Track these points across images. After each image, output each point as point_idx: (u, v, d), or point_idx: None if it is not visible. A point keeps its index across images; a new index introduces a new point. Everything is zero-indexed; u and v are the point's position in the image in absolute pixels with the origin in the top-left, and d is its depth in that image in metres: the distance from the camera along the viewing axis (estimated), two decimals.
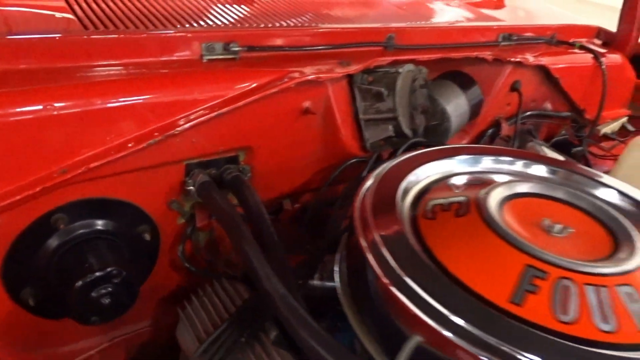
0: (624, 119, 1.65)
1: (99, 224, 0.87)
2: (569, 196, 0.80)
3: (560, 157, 1.33)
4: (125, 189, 0.88)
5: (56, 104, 0.75)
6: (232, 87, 0.89)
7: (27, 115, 0.74)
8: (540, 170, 0.90)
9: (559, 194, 0.80)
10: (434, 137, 1.14)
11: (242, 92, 0.90)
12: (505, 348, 0.53)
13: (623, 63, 1.60)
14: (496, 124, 1.31)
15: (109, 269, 0.83)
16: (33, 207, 0.80)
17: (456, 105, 1.15)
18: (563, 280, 0.61)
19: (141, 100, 0.82)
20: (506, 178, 0.83)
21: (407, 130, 1.05)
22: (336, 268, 0.77)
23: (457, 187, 0.81)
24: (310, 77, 0.93)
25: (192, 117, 0.86)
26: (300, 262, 0.96)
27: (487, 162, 0.88)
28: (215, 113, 0.87)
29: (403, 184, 0.76)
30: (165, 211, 0.94)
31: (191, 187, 0.92)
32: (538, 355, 0.52)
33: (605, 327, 0.58)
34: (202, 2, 1.11)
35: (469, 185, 0.81)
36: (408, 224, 0.71)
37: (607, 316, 0.59)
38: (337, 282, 0.74)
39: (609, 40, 1.69)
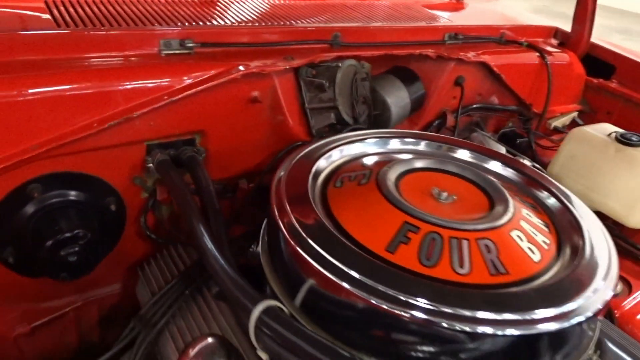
0: (575, 114, 1.76)
1: (70, 194, 1.01)
2: (459, 169, 0.93)
3: (501, 148, 1.46)
4: (93, 164, 1.02)
5: (30, 90, 0.90)
6: (186, 78, 1.03)
7: (5, 99, 0.88)
8: (440, 149, 1.04)
9: (451, 168, 0.93)
10: (376, 126, 1.27)
11: (195, 82, 1.04)
12: (377, 286, 0.66)
13: (572, 61, 1.72)
14: (442, 116, 1.43)
15: (76, 231, 0.98)
16: (11, 178, 0.94)
17: (397, 97, 1.28)
18: (432, 234, 0.74)
19: (104, 88, 0.96)
20: (410, 156, 0.96)
21: (347, 118, 1.19)
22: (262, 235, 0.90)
23: (368, 164, 0.94)
24: (254, 70, 1.07)
25: (149, 102, 1.00)
26: (245, 233, 1.10)
27: (395, 144, 1.01)
28: (170, 99, 1.01)
29: (318, 163, 0.90)
30: (130, 186, 1.09)
31: (150, 165, 1.06)
32: (395, 288, 0.65)
33: (461, 271, 0.71)
34: (163, 4, 1.25)
35: (378, 162, 0.94)
36: (318, 193, 0.85)
37: (464, 262, 0.72)
38: (260, 246, 0.88)
39: (564, 40, 1.81)
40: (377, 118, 1.28)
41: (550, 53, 1.63)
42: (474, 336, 0.65)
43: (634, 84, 1.70)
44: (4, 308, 1.07)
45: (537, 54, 1.59)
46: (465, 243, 0.74)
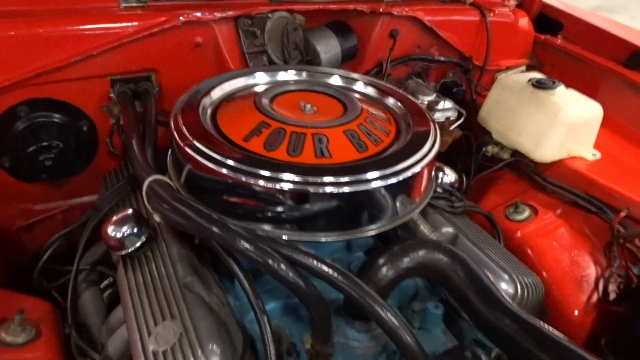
0: (522, 67, 1.90)
1: (50, 115, 1.32)
2: (327, 89, 1.17)
3: (428, 94, 1.64)
4: (69, 93, 1.32)
5: (11, 33, 1.20)
6: (139, 23, 1.31)
7: None
8: (316, 76, 1.26)
9: (321, 89, 1.17)
10: None
11: (146, 27, 1.31)
12: (227, 160, 0.91)
13: (519, 19, 1.86)
14: (380, 64, 1.64)
15: (52, 142, 1.29)
16: (3, 102, 1.26)
17: (327, 46, 1.50)
18: (279, 129, 0.98)
19: (73, 30, 1.25)
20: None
21: (277, 60, 1.43)
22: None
23: (256, 88, 1.18)
24: (193, 18, 1.33)
25: (109, 42, 1.28)
26: None
27: (282, 75, 1.24)
28: (126, 40, 1.29)
29: (216, 89, 1.15)
30: (100, 113, 1.38)
31: (112, 95, 1.35)
32: (238, 162, 0.90)
33: (293, 154, 0.95)
34: None
35: (264, 87, 1.18)
36: (211, 108, 1.09)
37: (298, 148, 0.95)
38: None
39: (521, 2, 1.95)
40: (308, 63, 1.51)
41: (493, 12, 1.78)
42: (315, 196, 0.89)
43: (577, 39, 1.82)
44: (6, 206, 1.39)
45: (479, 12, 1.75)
46: (302, 136, 0.97)
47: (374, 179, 0.94)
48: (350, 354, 0.96)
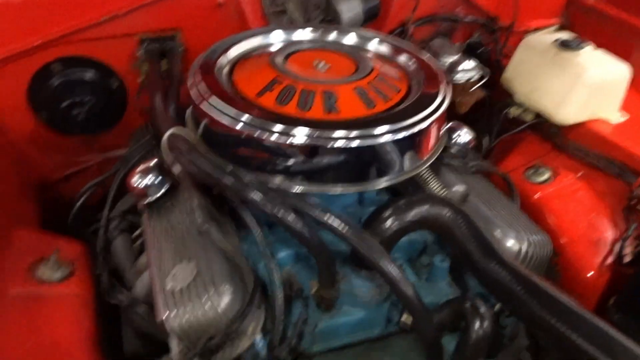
0: (553, 28, 1.85)
1: (82, 72, 1.39)
2: (341, 48, 1.19)
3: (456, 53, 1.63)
4: (99, 51, 1.39)
5: None
6: None
7: None
8: (332, 35, 1.27)
9: (336, 47, 1.19)
10: None
11: None
12: (242, 117, 0.95)
13: None
14: (403, 24, 1.64)
15: (84, 98, 1.37)
16: (40, 59, 1.34)
17: (348, 5, 1.51)
18: (290, 86, 1.02)
19: None
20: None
21: (298, 19, 1.45)
22: None
23: (273, 47, 1.21)
24: None
25: (135, 2, 1.34)
26: None
27: (299, 34, 1.26)
28: (150, 1, 1.34)
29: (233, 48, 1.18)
30: (129, 70, 1.45)
31: (140, 54, 1.41)
32: (251, 118, 0.95)
33: (303, 110, 0.99)
34: None
35: (280, 46, 1.21)
36: (228, 66, 1.14)
37: (307, 104, 0.99)
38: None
39: None
40: (329, 23, 1.52)
41: None
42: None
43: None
44: (46, 157, 1.49)
45: None
46: (312, 93, 1.01)
47: (382, 134, 0.97)
48: (355, 300, 1.01)
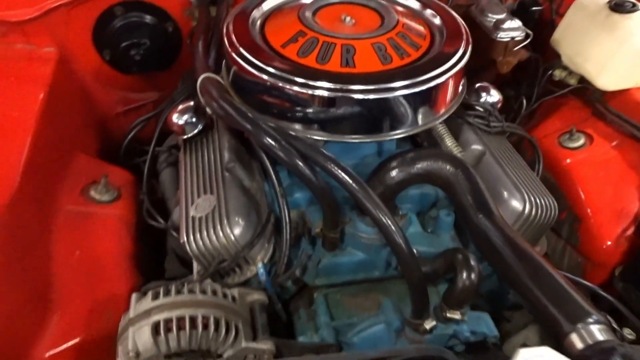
0: None
1: (141, 15, 1.52)
2: (369, 2, 1.22)
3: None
4: None
5: None
6: None
7: None
8: None
9: (364, 2, 1.22)
10: None
11: None
12: (267, 67, 1.04)
13: None
14: None
15: (141, 40, 1.50)
16: (104, 2, 1.47)
17: None
18: (312, 38, 1.09)
19: None
20: None
21: None
22: None
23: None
24: None
25: None
26: None
27: None
28: None
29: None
30: (183, 16, 1.56)
31: (194, 0, 1.51)
32: (271, 66, 1.03)
33: (322, 62, 1.05)
34: None
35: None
36: (261, 18, 1.21)
37: (326, 57, 1.06)
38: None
39: None
40: None
41: None
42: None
43: None
44: (108, 93, 1.65)
45: None
46: (332, 45, 1.07)
47: (398, 88, 1.02)
48: (358, 243, 1.10)
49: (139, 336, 0.90)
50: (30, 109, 1.20)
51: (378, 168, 1.06)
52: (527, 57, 1.61)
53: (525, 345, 1.55)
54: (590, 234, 1.37)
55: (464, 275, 0.99)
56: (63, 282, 1.11)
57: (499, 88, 1.37)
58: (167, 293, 0.95)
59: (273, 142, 0.99)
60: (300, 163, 0.98)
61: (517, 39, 1.54)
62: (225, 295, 0.98)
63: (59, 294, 1.10)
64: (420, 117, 1.10)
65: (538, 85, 1.60)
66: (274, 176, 1.08)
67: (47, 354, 1.03)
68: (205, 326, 0.92)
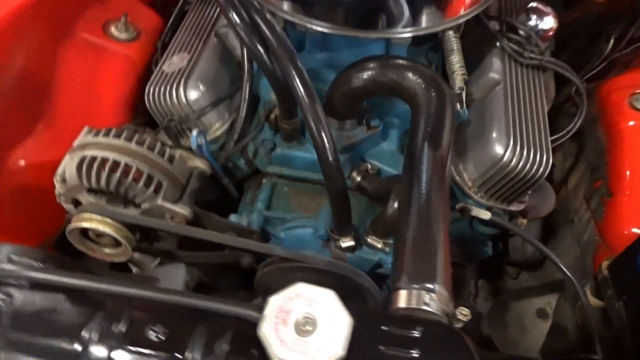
0: None
1: None
2: None
3: None
4: None
5: None
6: None
7: None
8: None
9: None
10: None
11: None
12: None
13: None
14: None
15: None
16: None
17: None
18: None
19: None
20: None
21: None
22: None
23: None
24: None
25: None
26: None
27: None
28: None
29: None
30: None
31: None
32: None
33: None
34: None
35: None
36: None
37: None
38: None
39: None
40: None
41: None
42: None
43: None
44: None
45: None
46: None
47: None
48: None
49: (69, 165, 0.97)
50: None
51: (350, 65, 0.96)
52: None
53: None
54: (617, 214, 1.15)
55: (395, 204, 0.90)
56: (58, 101, 1.19)
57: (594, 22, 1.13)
58: (106, 134, 0.99)
59: (237, 20, 0.90)
60: (259, 47, 0.90)
61: None
62: (162, 153, 1.00)
63: (51, 110, 1.18)
64: (425, 18, 0.95)
65: (636, 26, 1.28)
66: (245, 53, 1.02)
67: (22, 162, 1.14)
68: (127, 174, 0.95)
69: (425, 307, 0.59)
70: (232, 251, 0.99)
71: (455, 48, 1.03)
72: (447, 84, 0.93)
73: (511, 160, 0.94)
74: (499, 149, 0.95)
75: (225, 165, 1.10)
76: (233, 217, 1.05)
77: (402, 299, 0.61)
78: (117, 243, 0.98)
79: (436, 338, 0.56)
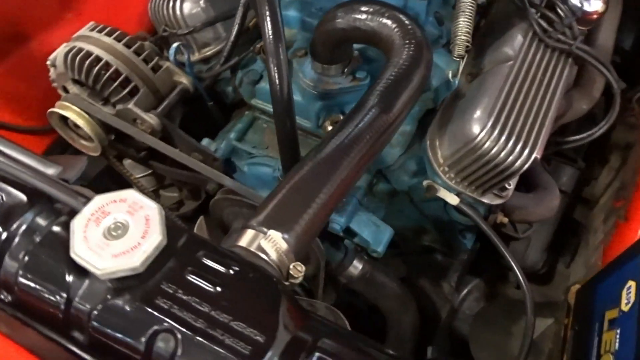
0: None
1: None
2: None
3: None
4: None
5: None
6: None
7: None
8: None
9: None
10: None
11: None
12: None
13: None
14: None
15: None
16: None
17: None
18: None
19: None
20: None
21: None
22: None
23: None
24: None
25: None
26: None
27: None
28: None
29: None
30: None
31: None
32: None
33: None
34: None
35: None
36: None
37: None
38: None
39: None
40: None
41: None
42: None
43: None
44: None
45: None
46: None
47: None
48: (297, 84, 0.98)
49: (61, 51, 1.01)
50: None
51: (333, 7, 0.89)
52: None
53: None
54: (624, 243, 1.00)
55: None
56: None
57: None
58: (100, 31, 1.02)
59: None
60: None
61: None
62: (148, 60, 1.01)
63: (82, 1, 1.25)
64: None
65: None
66: None
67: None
68: (107, 71, 0.98)
69: (260, 254, 0.55)
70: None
71: (466, 10, 0.92)
72: (430, 48, 0.84)
73: (484, 143, 0.84)
74: (475, 129, 0.85)
75: (214, 89, 1.09)
76: (205, 141, 1.05)
77: (245, 239, 0.57)
78: (91, 137, 1.02)
79: (248, 281, 0.52)
